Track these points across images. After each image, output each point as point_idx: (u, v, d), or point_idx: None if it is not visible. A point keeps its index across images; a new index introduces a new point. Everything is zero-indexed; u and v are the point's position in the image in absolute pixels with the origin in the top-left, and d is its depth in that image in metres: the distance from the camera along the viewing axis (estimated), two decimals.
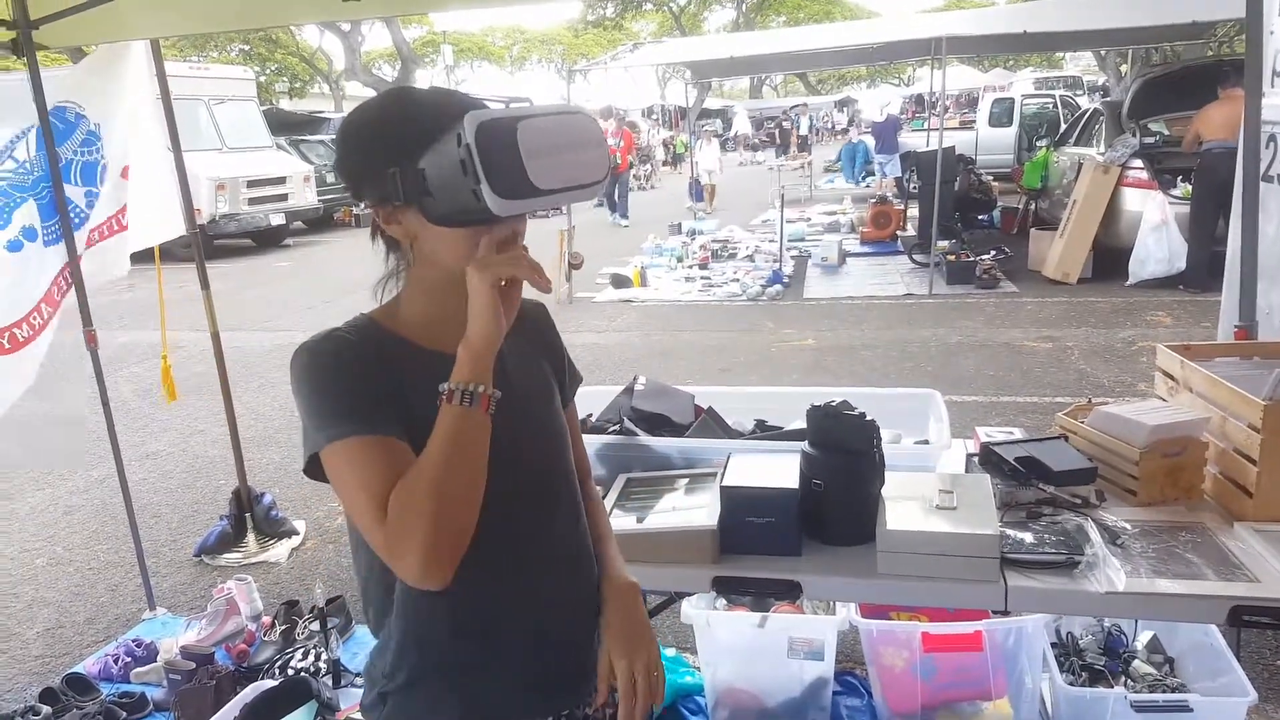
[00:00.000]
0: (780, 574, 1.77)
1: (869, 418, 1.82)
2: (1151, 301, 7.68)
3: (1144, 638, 2.58)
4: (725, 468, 1.91)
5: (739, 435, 2.24)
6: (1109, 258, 8.46)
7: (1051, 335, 6.83)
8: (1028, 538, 1.78)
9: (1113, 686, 2.37)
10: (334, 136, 1.11)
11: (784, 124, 25.46)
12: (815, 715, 2.57)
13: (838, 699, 2.66)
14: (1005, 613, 1.78)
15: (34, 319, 3.10)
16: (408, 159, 1.05)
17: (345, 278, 11.65)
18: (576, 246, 9.17)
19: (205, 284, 3.85)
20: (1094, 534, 1.78)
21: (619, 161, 14.23)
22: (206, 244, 12.78)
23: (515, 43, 37.69)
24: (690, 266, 10.19)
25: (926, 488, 1.87)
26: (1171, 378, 2.23)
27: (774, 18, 35.05)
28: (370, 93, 28.03)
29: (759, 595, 2.44)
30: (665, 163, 26.90)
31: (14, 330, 3.01)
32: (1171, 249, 8.02)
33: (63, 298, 3.27)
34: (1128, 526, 1.84)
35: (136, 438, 5.75)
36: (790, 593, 1.77)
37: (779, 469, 1.88)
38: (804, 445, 1.88)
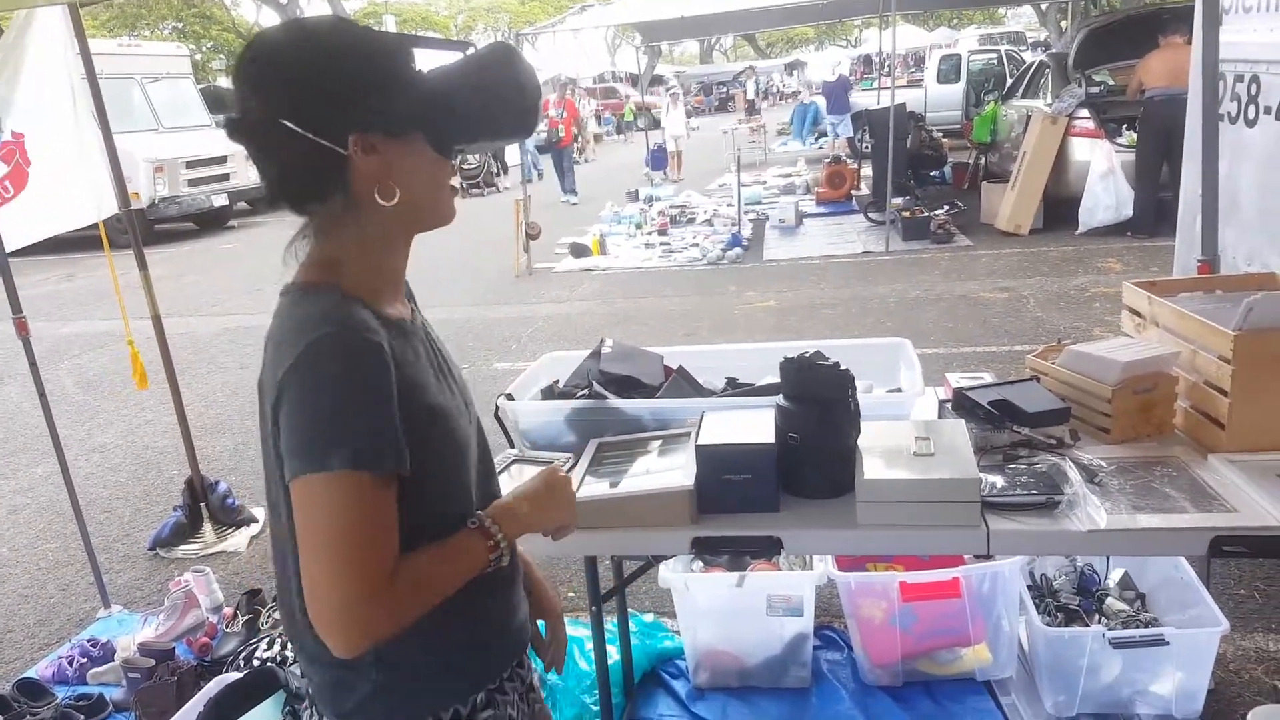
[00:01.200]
0: (760, 531, 1.72)
1: (843, 367, 1.77)
2: (1101, 249, 7.76)
3: (1115, 575, 2.59)
4: (699, 427, 1.85)
5: (710, 394, 2.18)
6: (1059, 208, 8.54)
7: (1007, 286, 6.87)
8: (1006, 481, 1.75)
9: (1089, 625, 2.38)
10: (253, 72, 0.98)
11: (733, 89, 25.31)
12: (796, 671, 2.55)
13: (818, 654, 2.65)
14: (988, 557, 1.75)
15: None
16: (407, 81, 1.03)
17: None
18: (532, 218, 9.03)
19: (143, 265, 3.68)
20: (1072, 473, 1.76)
21: (561, 134, 13.87)
22: (147, 228, 12.54)
23: (460, 11, 36.93)
24: (649, 233, 10.10)
25: (902, 436, 1.83)
26: (1138, 314, 2.21)
27: None
28: None
29: (739, 553, 2.40)
30: (595, 136, 26.64)
31: None
32: (1119, 196, 8.10)
33: None
34: (1104, 464, 1.83)
35: (82, 430, 5.56)
36: (771, 549, 1.72)
37: (754, 425, 1.82)
38: (778, 399, 1.83)
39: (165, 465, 4.90)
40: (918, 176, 10.20)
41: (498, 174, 16.84)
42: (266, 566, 3.68)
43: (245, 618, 3.06)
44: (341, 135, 1.03)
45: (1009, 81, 14.01)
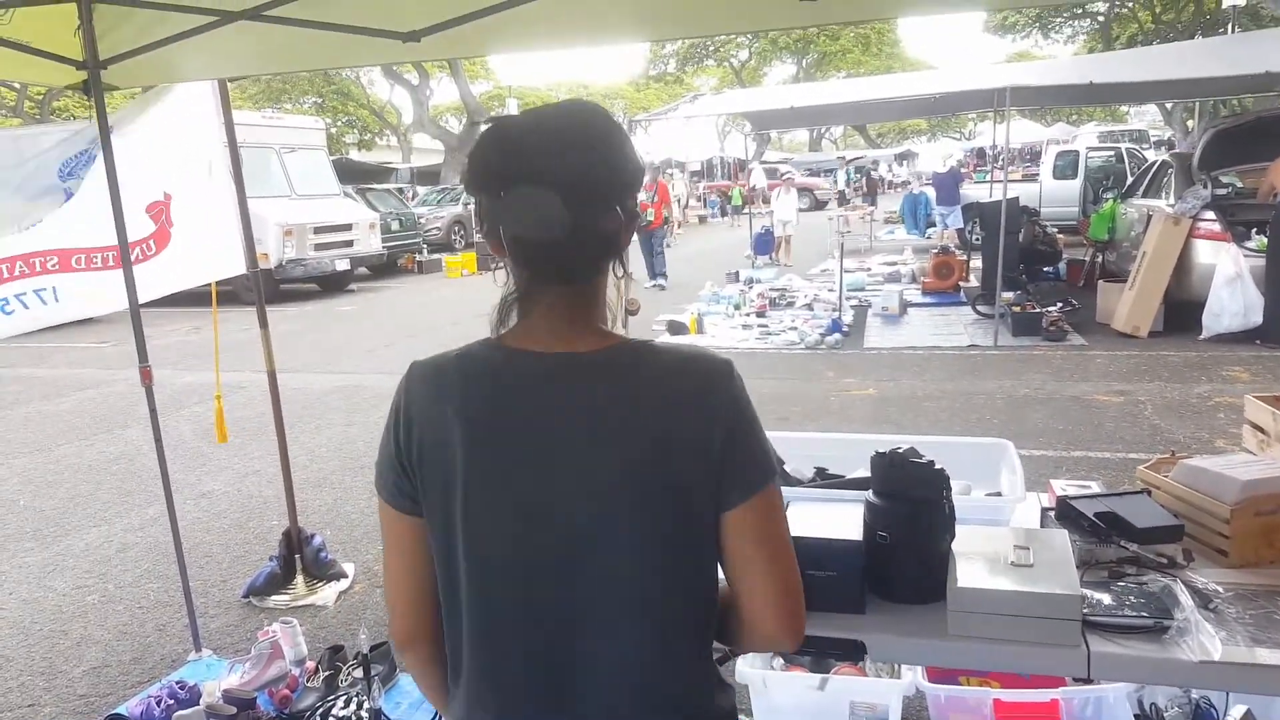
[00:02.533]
0: (844, 632, 1.65)
1: (938, 466, 1.71)
2: (1227, 356, 7.37)
3: (1236, 712, 2.38)
4: None
5: (798, 483, 2.14)
6: (1180, 311, 8.19)
7: (1123, 389, 6.57)
8: (1110, 599, 1.65)
9: None
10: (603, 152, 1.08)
11: (871, 173, 25.28)
12: None
13: None
14: (1087, 680, 1.64)
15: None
16: None
17: (407, 322, 11.85)
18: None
19: (264, 323, 3.88)
20: (1184, 597, 1.64)
21: (651, 217, 12.89)
22: (273, 288, 13.23)
23: (578, 97, 38.50)
24: (748, 314, 10.11)
25: (1000, 543, 1.74)
26: (1262, 430, 2.08)
27: (834, 73, 35.30)
28: (438, 145, 28.91)
29: (820, 655, 2.31)
30: (700, 218, 26.94)
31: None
32: (1247, 302, 7.73)
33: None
34: (1219, 590, 1.69)
35: (193, 477, 5.82)
36: (854, 653, 1.65)
37: (842, 519, 1.77)
38: (868, 494, 1.77)
39: (267, 515, 5.07)
40: (1030, 272, 9.96)
41: None
42: (351, 623, 3.73)
43: (326, 673, 3.10)
44: (628, 203, 1.14)
45: (1129, 179, 13.68)
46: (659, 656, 1.12)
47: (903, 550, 1.71)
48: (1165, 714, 2.41)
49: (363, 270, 15.97)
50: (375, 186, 17.78)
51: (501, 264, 1.16)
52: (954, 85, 9.70)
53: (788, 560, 1.15)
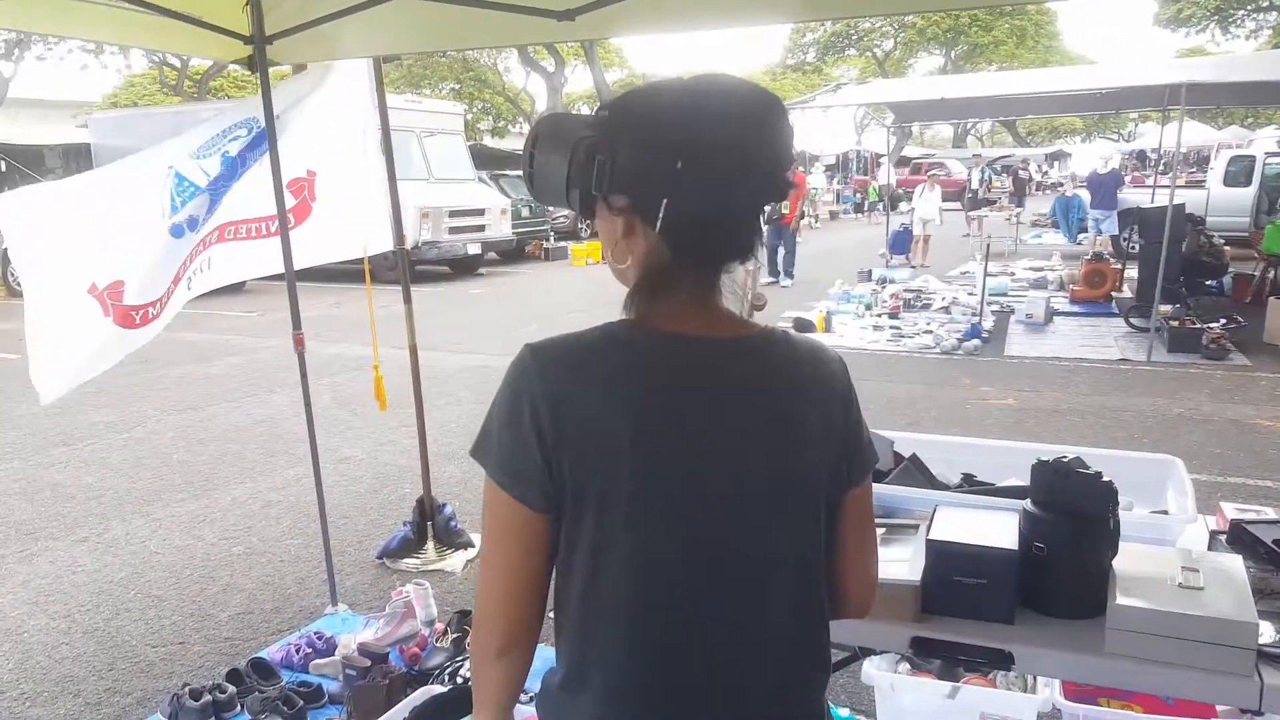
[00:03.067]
0: (990, 641, 1.58)
1: (1106, 478, 1.61)
2: None
3: None
4: (931, 520, 1.74)
5: (945, 488, 2.06)
6: None
7: None
8: None
9: None
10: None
11: (1020, 173, 24.24)
12: None
13: None
14: (1257, 714, 1.51)
15: (161, 301, 3.24)
16: None
17: (536, 306, 12.11)
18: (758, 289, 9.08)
19: (408, 299, 4.02)
20: None
21: (785, 211, 12.75)
22: (408, 267, 13.70)
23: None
24: (879, 315, 9.85)
25: (1166, 564, 1.63)
26: None
27: (985, 66, 33.77)
28: None
29: (964, 662, 2.22)
30: (831, 213, 26.29)
31: (148, 308, 3.17)
32: None
33: (175, 286, 3.34)
34: None
35: (333, 442, 6.09)
36: (1001, 663, 1.58)
37: (993, 527, 1.69)
38: (1025, 504, 1.69)
39: (401, 483, 5.27)
40: (1191, 284, 9.33)
41: None
42: (476, 590, 3.84)
43: (454, 635, 3.20)
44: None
45: None
46: (816, 642, 1.14)
47: (1061, 564, 1.62)
48: None
49: (492, 255, 16.37)
50: (508, 173, 18.17)
51: (588, 226, 1.13)
52: (1119, 80, 9.11)
53: (876, 540, 1.25)
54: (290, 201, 3.53)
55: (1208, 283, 10.03)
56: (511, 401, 1.06)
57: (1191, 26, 27.82)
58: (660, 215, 1.02)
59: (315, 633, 3.42)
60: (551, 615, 1.13)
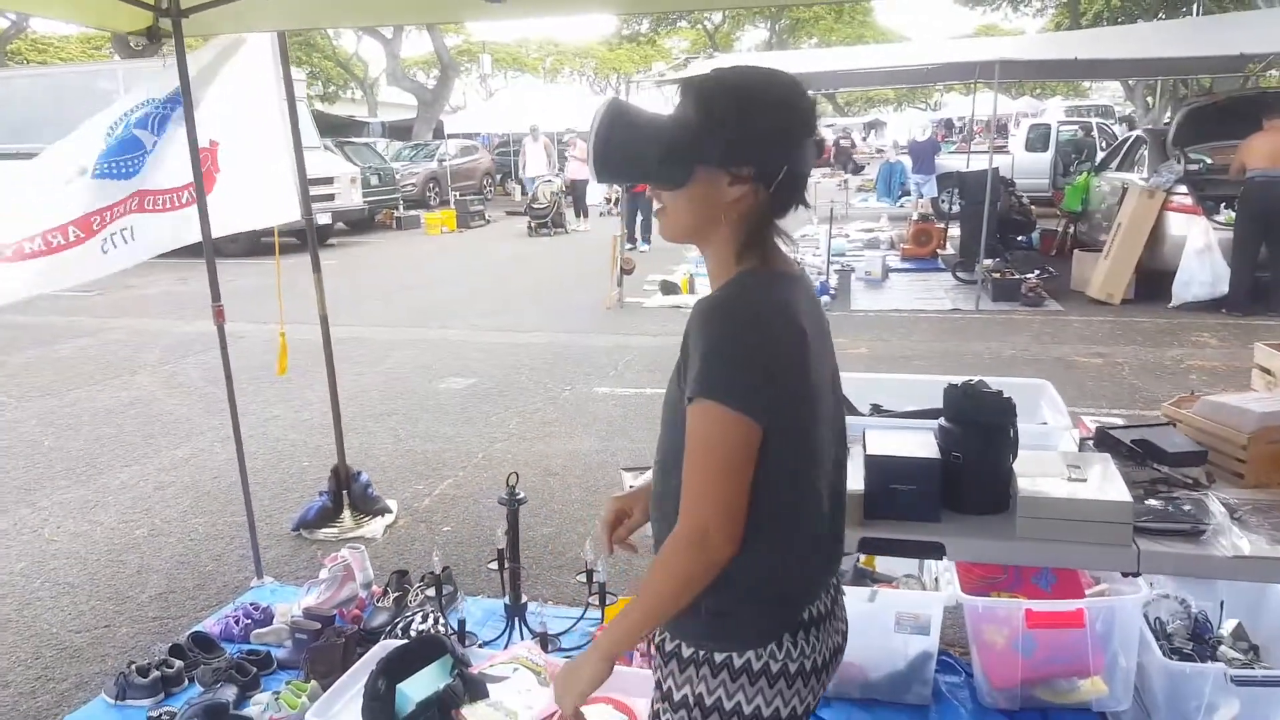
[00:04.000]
0: (924, 537, 1.93)
1: (1006, 396, 2.00)
2: (1195, 323, 7.82)
3: (1229, 625, 2.73)
4: (864, 440, 2.08)
5: (857, 414, 2.42)
6: (1151, 280, 8.63)
7: (1101, 352, 6.97)
8: (1151, 510, 1.95)
9: None
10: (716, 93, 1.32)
11: (841, 141, 25.47)
12: (918, 689, 2.73)
13: (936, 676, 2.82)
14: (1136, 575, 1.94)
15: (51, 237, 3.14)
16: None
17: (390, 278, 11.91)
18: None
19: (316, 267, 4.08)
20: (1214, 506, 1.95)
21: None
22: (252, 241, 13.19)
23: (549, 55, 38.13)
24: None
25: (1054, 464, 2.04)
26: (1269, 372, 2.39)
27: (805, 40, 35.36)
28: (409, 99, 28.57)
29: (903, 556, 2.60)
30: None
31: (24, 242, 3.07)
32: (1215, 273, 8.18)
33: (99, 230, 3.27)
34: (1240, 504, 2.01)
35: (215, 421, 5.95)
36: (934, 553, 1.94)
37: (915, 443, 2.05)
38: (939, 421, 2.05)
39: (297, 456, 5.26)
40: (1005, 241, 10.34)
41: (578, 216, 17.33)
42: (401, 554, 3.97)
43: (395, 594, 3.34)
44: None
45: (1099, 153, 14.08)
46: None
47: (974, 468, 1.99)
48: (1168, 626, 2.76)
49: (341, 225, 15.90)
50: (353, 140, 17.64)
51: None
52: (944, 57, 9.96)
53: None
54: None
55: (1019, 238, 11.14)
56: (767, 343, 1.29)
57: (986, 5, 30.11)
58: (780, 178, 1.31)
59: (250, 604, 3.47)
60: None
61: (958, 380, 2.06)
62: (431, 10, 3.10)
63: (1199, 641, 2.68)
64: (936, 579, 2.81)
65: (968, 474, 1.99)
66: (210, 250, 3.47)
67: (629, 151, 1.34)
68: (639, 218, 13.32)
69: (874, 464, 1.99)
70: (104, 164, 3.18)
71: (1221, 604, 2.72)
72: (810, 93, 1.36)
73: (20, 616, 3.58)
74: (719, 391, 1.27)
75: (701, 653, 1.37)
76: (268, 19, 3.39)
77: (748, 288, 1.33)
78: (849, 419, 2.28)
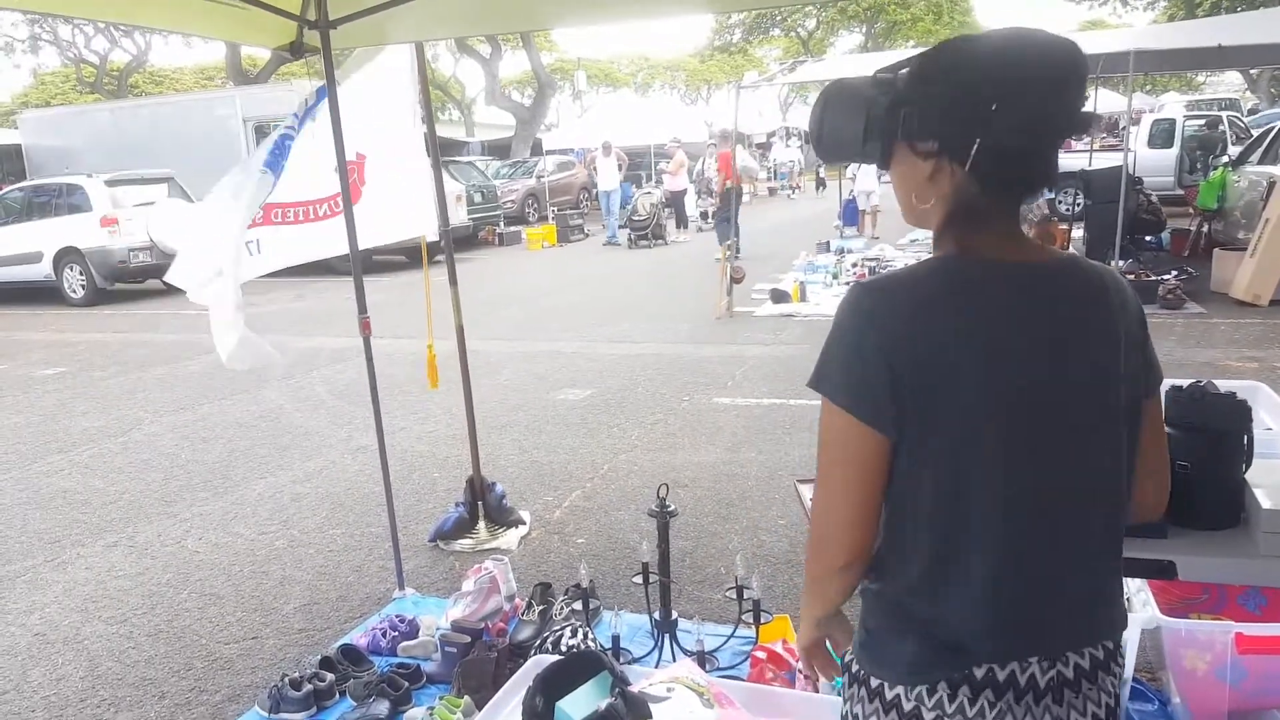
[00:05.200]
0: (1150, 554, 1.76)
1: (1240, 398, 1.81)
2: None
3: None
4: None
5: None
6: None
7: (1255, 356, 6.51)
8: None
9: None
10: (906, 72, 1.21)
11: None
12: None
13: (1129, 706, 2.61)
14: None
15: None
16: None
17: (503, 290, 12.10)
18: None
19: (454, 280, 4.11)
20: None
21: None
22: (366, 259, 13.59)
23: (640, 69, 38.42)
24: (846, 283, 10.14)
25: None
26: None
27: (904, 43, 34.60)
28: (505, 117, 29.13)
29: (1129, 576, 2.42)
30: (770, 189, 26.58)
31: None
32: None
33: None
34: None
35: (342, 433, 6.09)
36: (1164, 572, 1.76)
37: None
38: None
39: (428, 469, 5.31)
40: (1136, 241, 9.84)
41: (679, 227, 17.31)
42: (538, 565, 3.94)
43: (540, 608, 3.30)
44: None
45: (1229, 147, 13.28)
46: (1118, 547, 1.33)
47: (1204, 479, 1.80)
48: None
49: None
50: (457, 159, 18.03)
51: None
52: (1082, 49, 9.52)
53: (1168, 447, 1.46)
54: (340, 186, 3.56)
55: (1148, 239, 10.57)
56: (855, 337, 1.18)
57: (1094, 0, 28.96)
58: (973, 154, 1.15)
59: (396, 615, 3.47)
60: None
61: (1183, 383, 1.88)
62: (573, 11, 3.06)
63: None
64: (1129, 599, 2.59)
65: (1196, 485, 1.80)
66: (358, 263, 3.50)
67: (838, 132, 1.26)
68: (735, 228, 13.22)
69: None
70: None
71: None
72: (1071, 55, 1.15)
73: (170, 627, 3.67)
74: (821, 382, 1.21)
75: (862, 671, 1.28)
76: (408, 30, 3.42)
77: (903, 276, 1.21)
78: None
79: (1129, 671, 2.48)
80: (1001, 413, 1.16)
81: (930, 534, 1.20)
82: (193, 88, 30.68)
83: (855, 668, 1.30)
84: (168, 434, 6.39)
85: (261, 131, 16.61)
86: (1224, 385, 2.40)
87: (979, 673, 1.19)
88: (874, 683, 1.26)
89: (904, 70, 1.23)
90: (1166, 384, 1.92)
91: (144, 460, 5.81)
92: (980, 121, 1.14)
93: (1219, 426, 1.81)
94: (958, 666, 1.19)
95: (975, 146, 1.15)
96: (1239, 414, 1.80)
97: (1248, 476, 1.82)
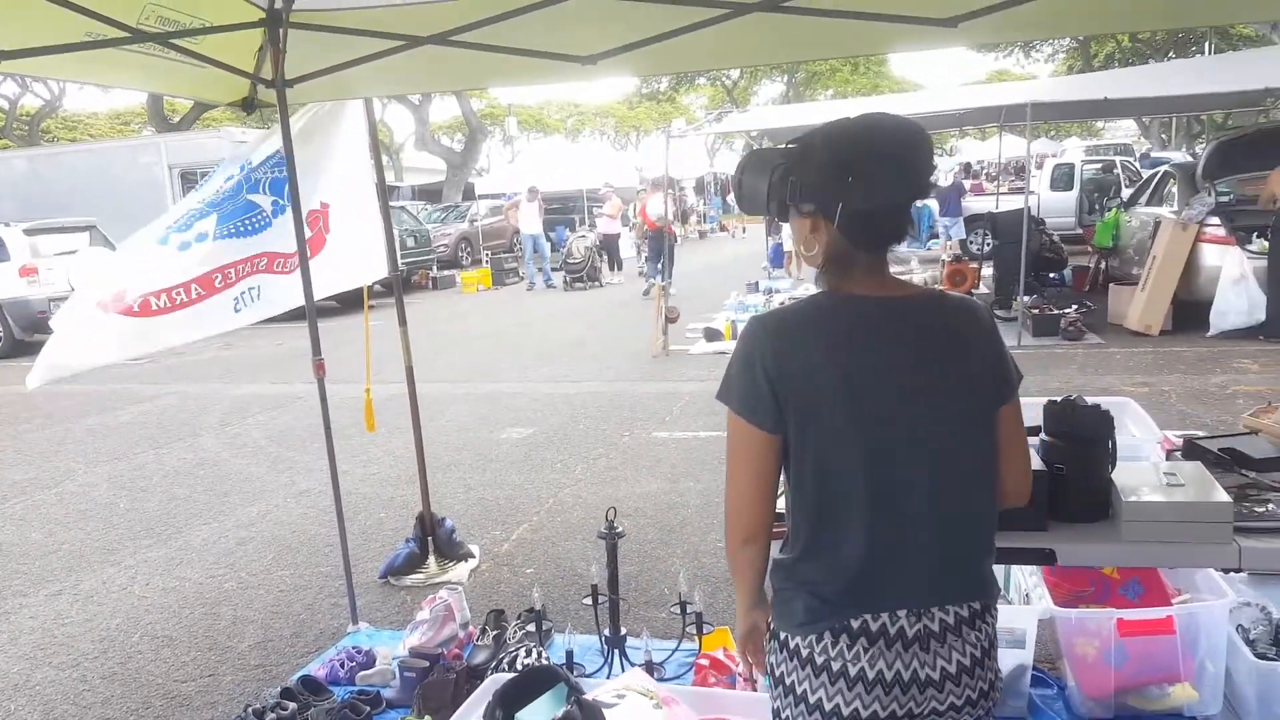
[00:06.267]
0: (1034, 544, 2.06)
1: (1104, 409, 2.13)
2: (1235, 351, 7.89)
3: None
4: None
5: None
6: (1188, 310, 8.73)
7: (1146, 381, 7.05)
8: (1246, 510, 2.06)
9: None
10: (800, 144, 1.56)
11: None
12: (1014, 701, 2.81)
13: (1029, 690, 2.90)
14: (1237, 571, 2.05)
15: (169, 294, 3.36)
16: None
17: (442, 334, 12.19)
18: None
19: (402, 320, 4.29)
20: None
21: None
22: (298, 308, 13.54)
23: (570, 115, 39.05)
24: None
25: (1149, 473, 2.16)
26: None
27: (822, 92, 36.00)
28: (435, 162, 29.29)
29: (1018, 564, 2.71)
30: (701, 233, 27.25)
31: (150, 298, 3.30)
32: (1251, 301, 8.27)
33: (224, 288, 3.52)
34: None
35: (284, 478, 6.15)
36: (1046, 559, 2.06)
37: None
38: (1040, 436, 2.19)
39: (371, 509, 5.42)
40: (1039, 278, 10.48)
41: (612, 269, 17.64)
42: (490, 595, 4.10)
43: (494, 632, 3.47)
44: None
45: (1124, 189, 14.22)
46: (983, 526, 1.63)
47: (1077, 478, 2.12)
48: (1251, 633, 2.83)
49: (378, 287, 16.23)
50: (389, 204, 18.08)
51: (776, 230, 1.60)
52: (980, 101, 10.26)
53: (1027, 442, 1.71)
54: (306, 233, 3.74)
55: (1051, 275, 11.27)
56: (746, 359, 1.50)
57: (999, 50, 30.68)
58: (838, 216, 1.46)
59: (352, 647, 3.60)
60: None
61: (1057, 398, 2.20)
62: (526, 76, 3.31)
63: None
64: (1027, 595, 2.90)
65: (1071, 484, 2.12)
66: (312, 310, 3.65)
67: (753, 190, 1.57)
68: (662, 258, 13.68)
69: None
70: (223, 228, 3.43)
71: None
72: (912, 137, 1.45)
73: (124, 670, 3.72)
74: (724, 394, 1.54)
75: (774, 627, 1.59)
76: (361, 87, 3.62)
77: (786, 311, 1.53)
78: None
79: (1030, 657, 2.78)
80: (859, 418, 1.46)
81: (812, 513, 1.51)
82: (109, 133, 30.13)
83: (773, 626, 1.59)
84: (103, 484, 6.35)
85: (188, 178, 16.49)
86: (1092, 400, 2.76)
87: (855, 623, 1.47)
88: (782, 635, 1.55)
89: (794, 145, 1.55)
90: (1042, 399, 2.26)
91: (81, 510, 5.79)
92: (843, 190, 1.46)
93: (1088, 434, 2.12)
94: (837, 617, 1.48)
95: (839, 210, 1.46)
96: (1104, 423, 2.12)
97: (1113, 476, 2.13)
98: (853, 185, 1.44)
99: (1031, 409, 2.26)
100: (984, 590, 1.56)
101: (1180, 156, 18.16)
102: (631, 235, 19.03)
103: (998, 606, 1.60)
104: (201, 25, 3.01)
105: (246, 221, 3.50)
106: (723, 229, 27.70)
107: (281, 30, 3.17)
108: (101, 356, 3.29)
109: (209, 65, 3.22)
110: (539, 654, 3.22)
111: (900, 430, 1.47)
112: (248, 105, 3.69)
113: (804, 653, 1.50)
